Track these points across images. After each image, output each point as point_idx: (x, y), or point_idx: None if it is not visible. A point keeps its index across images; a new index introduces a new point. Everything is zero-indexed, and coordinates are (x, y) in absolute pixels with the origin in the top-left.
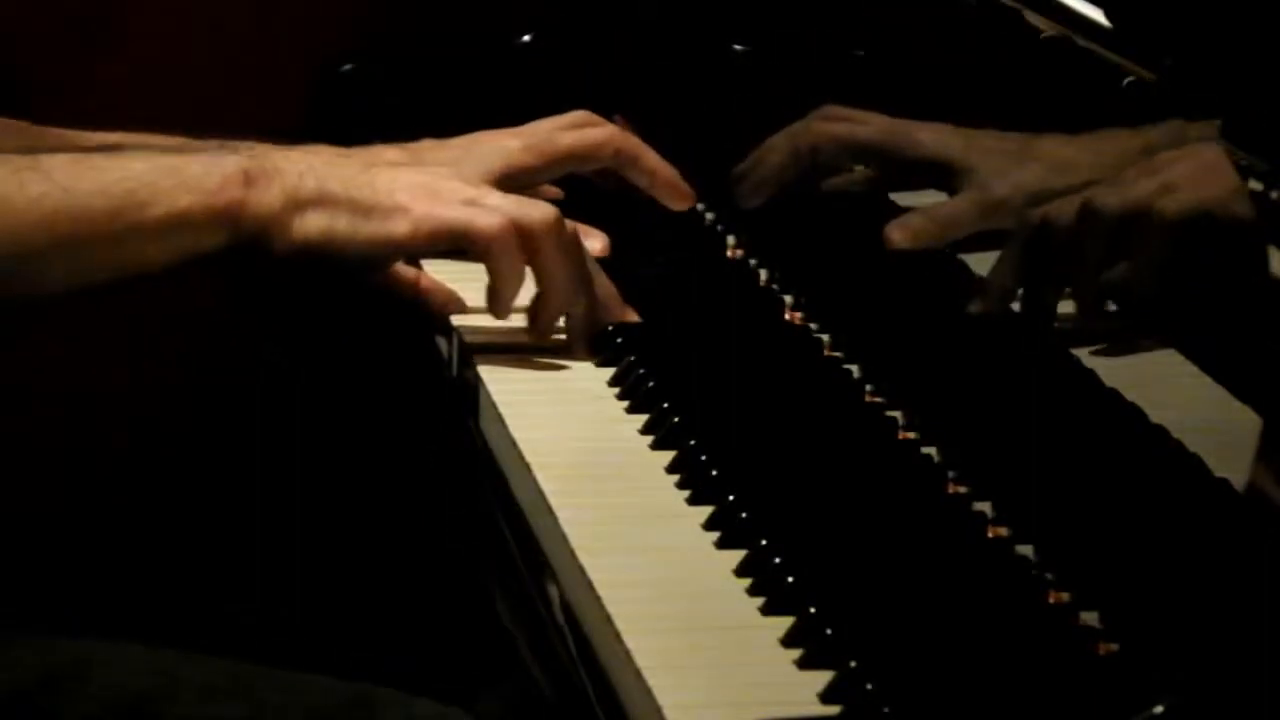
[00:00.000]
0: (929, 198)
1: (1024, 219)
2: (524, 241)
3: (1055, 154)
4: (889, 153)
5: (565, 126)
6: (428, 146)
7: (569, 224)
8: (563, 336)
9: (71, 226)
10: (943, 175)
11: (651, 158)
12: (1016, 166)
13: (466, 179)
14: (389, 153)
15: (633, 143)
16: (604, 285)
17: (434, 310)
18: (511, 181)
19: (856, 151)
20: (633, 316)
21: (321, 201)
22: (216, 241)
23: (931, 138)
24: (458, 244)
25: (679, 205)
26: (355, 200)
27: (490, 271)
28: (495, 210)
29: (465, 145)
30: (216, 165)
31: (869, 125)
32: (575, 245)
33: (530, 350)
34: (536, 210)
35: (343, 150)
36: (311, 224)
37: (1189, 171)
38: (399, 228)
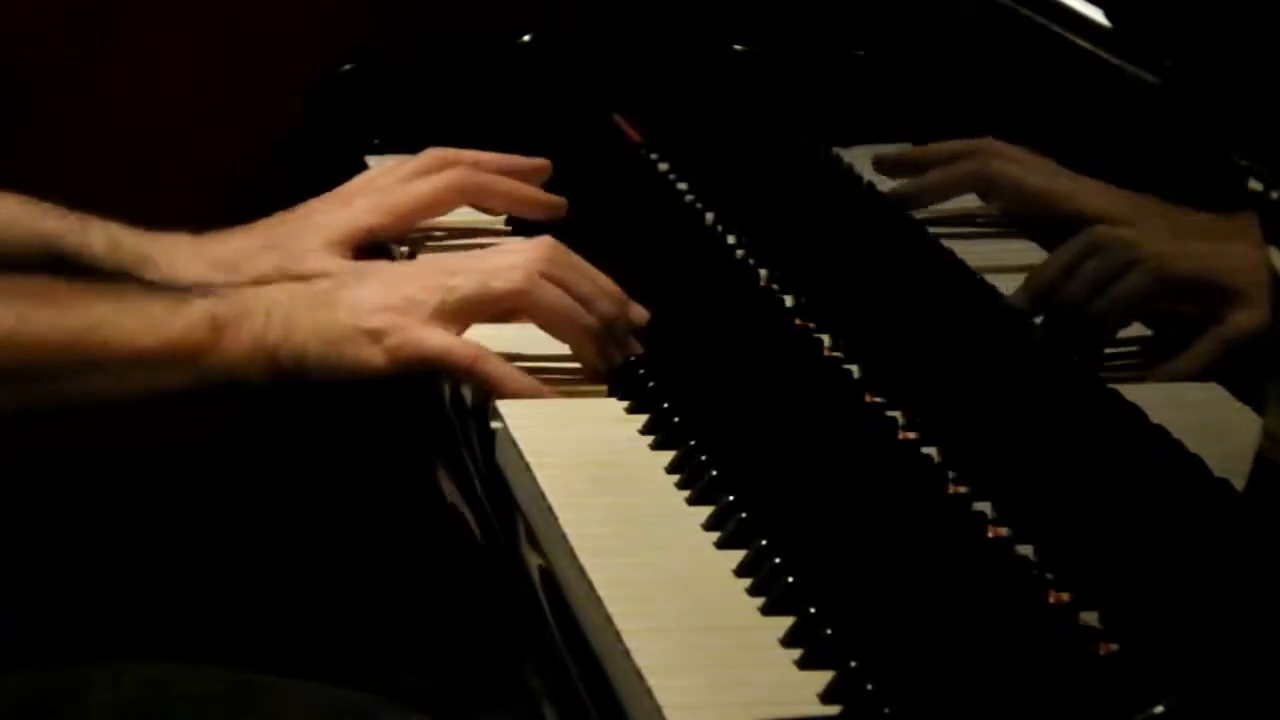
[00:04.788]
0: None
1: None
2: (504, 310)
3: (1225, 232)
4: (1052, 206)
5: (410, 176)
6: (273, 222)
7: (561, 259)
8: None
9: (21, 355)
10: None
11: (501, 185)
12: (1192, 240)
13: (321, 251)
14: (235, 236)
15: (479, 179)
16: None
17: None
18: (362, 242)
19: (1021, 198)
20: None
21: (290, 338)
22: (179, 383)
23: (1095, 199)
24: (438, 371)
25: (546, 216)
26: (323, 334)
27: (481, 385)
28: (469, 295)
29: (306, 215)
30: (184, 309)
31: (1039, 174)
32: (573, 279)
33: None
34: (502, 277)
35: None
36: (284, 360)
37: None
38: (374, 359)
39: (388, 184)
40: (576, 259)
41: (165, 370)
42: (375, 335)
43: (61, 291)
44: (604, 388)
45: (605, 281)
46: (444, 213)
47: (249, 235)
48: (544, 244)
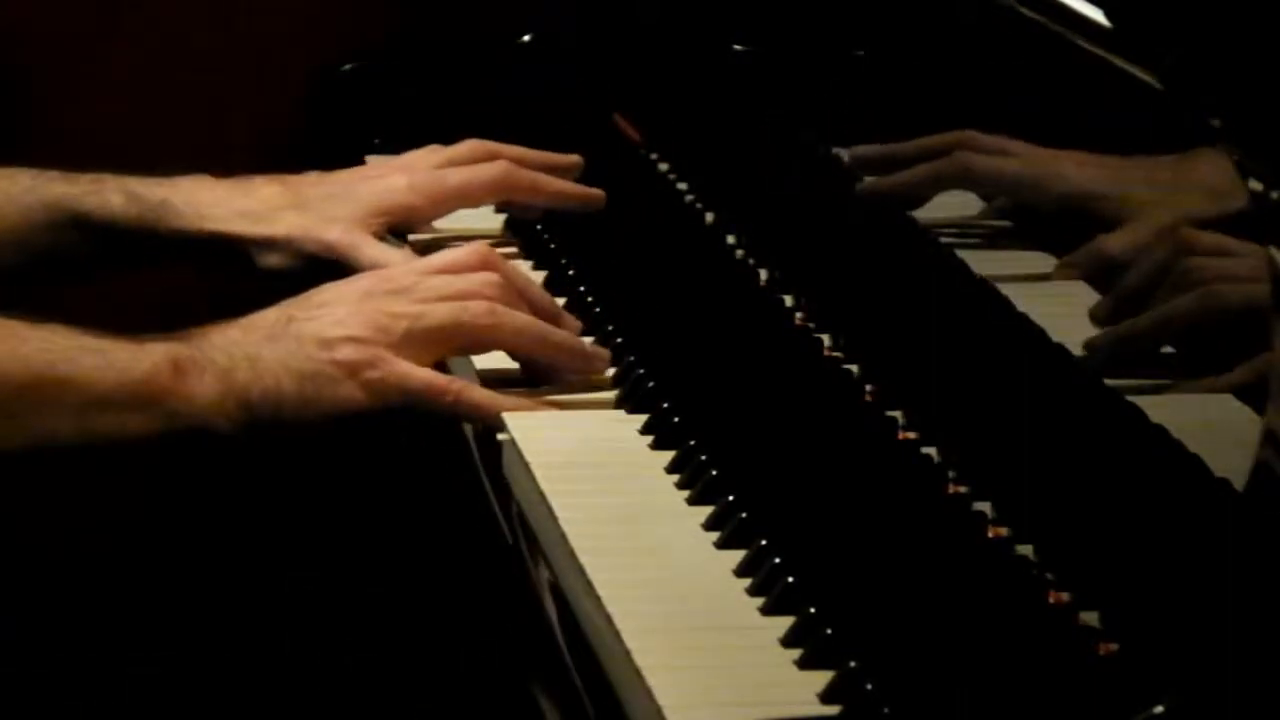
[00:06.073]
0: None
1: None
2: (474, 343)
3: (1211, 179)
4: (1036, 190)
5: (453, 162)
6: (309, 181)
7: (510, 277)
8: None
9: None
10: (1094, 210)
11: (545, 183)
12: (1176, 191)
13: (350, 222)
14: (264, 187)
15: (524, 175)
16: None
17: None
18: (395, 221)
19: (1003, 188)
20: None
21: (261, 379)
22: (144, 428)
23: (1080, 171)
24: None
25: (590, 208)
26: (294, 370)
27: (468, 417)
28: (439, 325)
29: (347, 182)
30: (145, 352)
31: (1016, 159)
32: (523, 300)
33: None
34: (471, 311)
35: (254, 318)
36: (257, 402)
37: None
38: (354, 395)
39: (426, 168)
40: (513, 270)
41: (128, 413)
42: (350, 369)
43: (19, 328)
44: (601, 393)
45: (538, 291)
46: (481, 205)
47: (280, 190)
48: (490, 262)
